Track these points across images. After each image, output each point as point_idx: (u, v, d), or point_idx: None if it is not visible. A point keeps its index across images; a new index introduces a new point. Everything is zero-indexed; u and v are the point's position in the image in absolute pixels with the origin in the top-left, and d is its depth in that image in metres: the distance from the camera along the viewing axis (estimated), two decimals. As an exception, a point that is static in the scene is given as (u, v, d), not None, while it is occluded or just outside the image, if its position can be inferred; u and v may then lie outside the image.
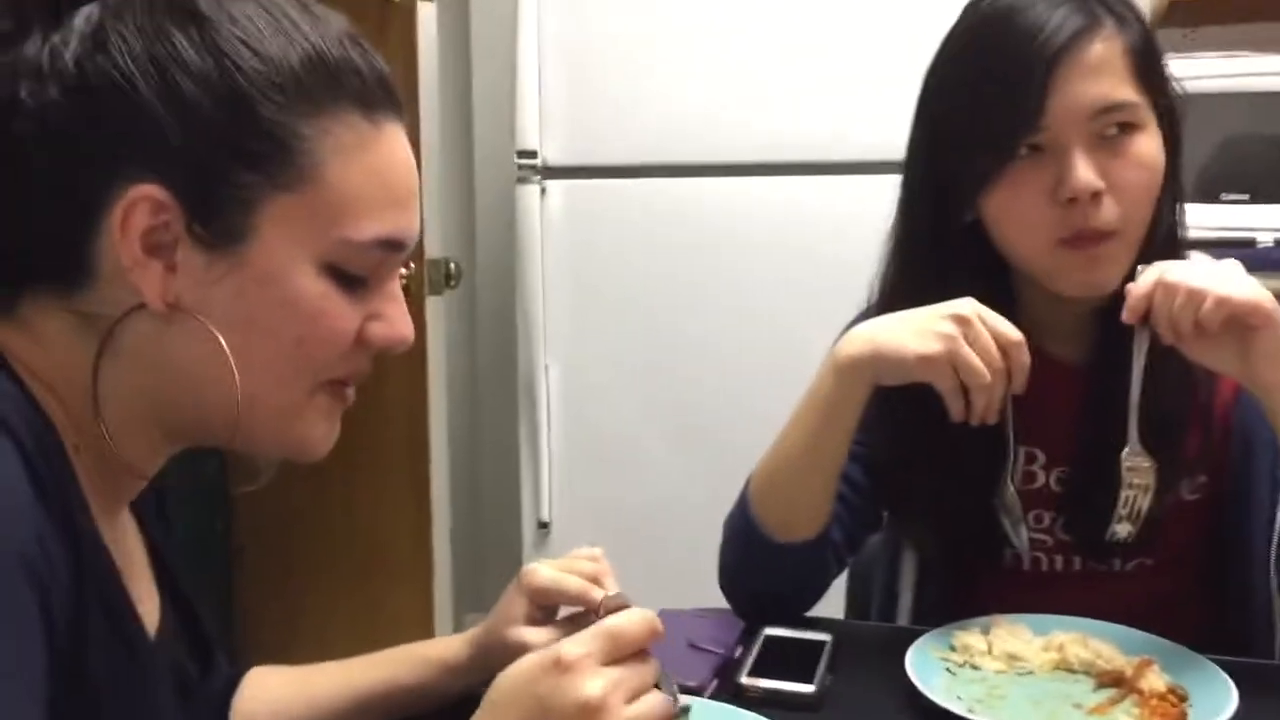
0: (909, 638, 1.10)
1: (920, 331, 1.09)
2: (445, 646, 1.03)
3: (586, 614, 0.97)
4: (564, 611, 1.01)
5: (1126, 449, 1.10)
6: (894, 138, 1.25)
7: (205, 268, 0.72)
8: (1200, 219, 1.32)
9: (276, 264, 0.73)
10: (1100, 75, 1.11)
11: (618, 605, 0.78)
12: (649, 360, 2.52)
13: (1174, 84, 1.18)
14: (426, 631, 2.52)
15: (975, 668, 1.08)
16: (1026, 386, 1.09)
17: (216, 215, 0.72)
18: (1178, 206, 1.20)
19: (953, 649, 1.10)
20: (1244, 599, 1.18)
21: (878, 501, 1.29)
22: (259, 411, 0.76)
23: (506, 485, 2.74)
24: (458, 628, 2.61)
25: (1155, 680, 1.01)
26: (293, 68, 0.73)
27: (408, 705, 1.01)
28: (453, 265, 2.52)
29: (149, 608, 0.83)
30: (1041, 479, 1.25)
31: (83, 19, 0.72)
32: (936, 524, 1.27)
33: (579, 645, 0.72)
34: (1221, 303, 1.00)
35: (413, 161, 0.80)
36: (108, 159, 0.71)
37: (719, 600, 1.25)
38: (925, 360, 1.08)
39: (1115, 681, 1.03)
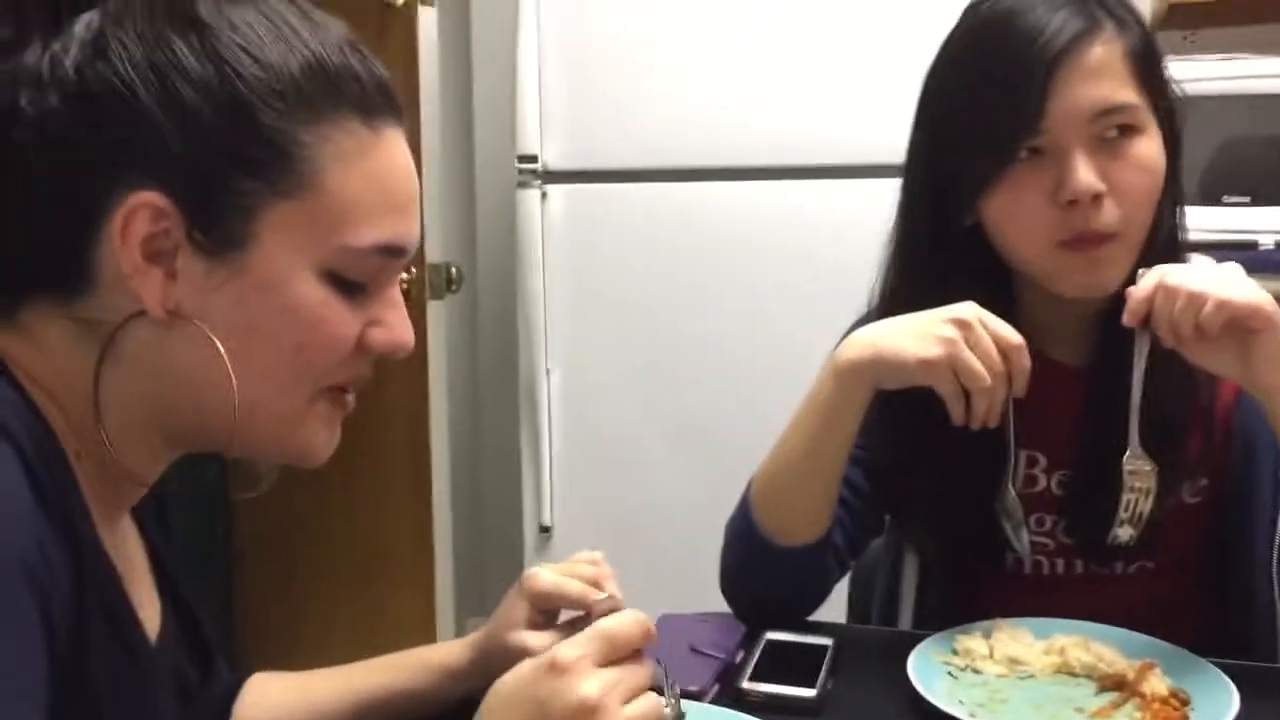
0: (911, 642, 1.10)
1: (921, 335, 1.09)
2: (446, 651, 1.03)
3: (587, 618, 0.97)
4: (565, 615, 1.01)
5: (1128, 452, 1.10)
6: (894, 141, 1.25)
7: (205, 274, 0.72)
8: (1201, 221, 1.32)
9: (277, 271, 0.73)
10: (1100, 78, 1.11)
11: (610, 608, 0.78)
12: (650, 364, 2.52)
13: (1174, 86, 1.18)
14: (428, 636, 2.52)
15: (977, 671, 1.07)
16: (1027, 390, 1.09)
17: (217, 222, 0.72)
18: (1178, 209, 1.20)
19: (954, 653, 1.10)
20: (1246, 602, 1.18)
21: (879, 505, 1.29)
22: (260, 418, 0.76)
23: (508, 489, 2.74)
24: (460, 632, 2.61)
25: (1157, 683, 1.01)
26: (293, 74, 0.73)
27: (409, 710, 1.01)
28: (454, 270, 2.52)
29: (150, 613, 0.83)
30: (1043, 482, 1.25)
31: (83, 26, 0.72)
32: (938, 528, 1.27)
33: (574, 648, 0.73)
34: (1222, 306, 1.00)
35: (413, 168, 0.80)
36: (108, 166, 0.71)
37: (720, 604, 1.25)
38: (926, 364, 1.08)
39: (1117, 685, 1.03)
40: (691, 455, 2.48)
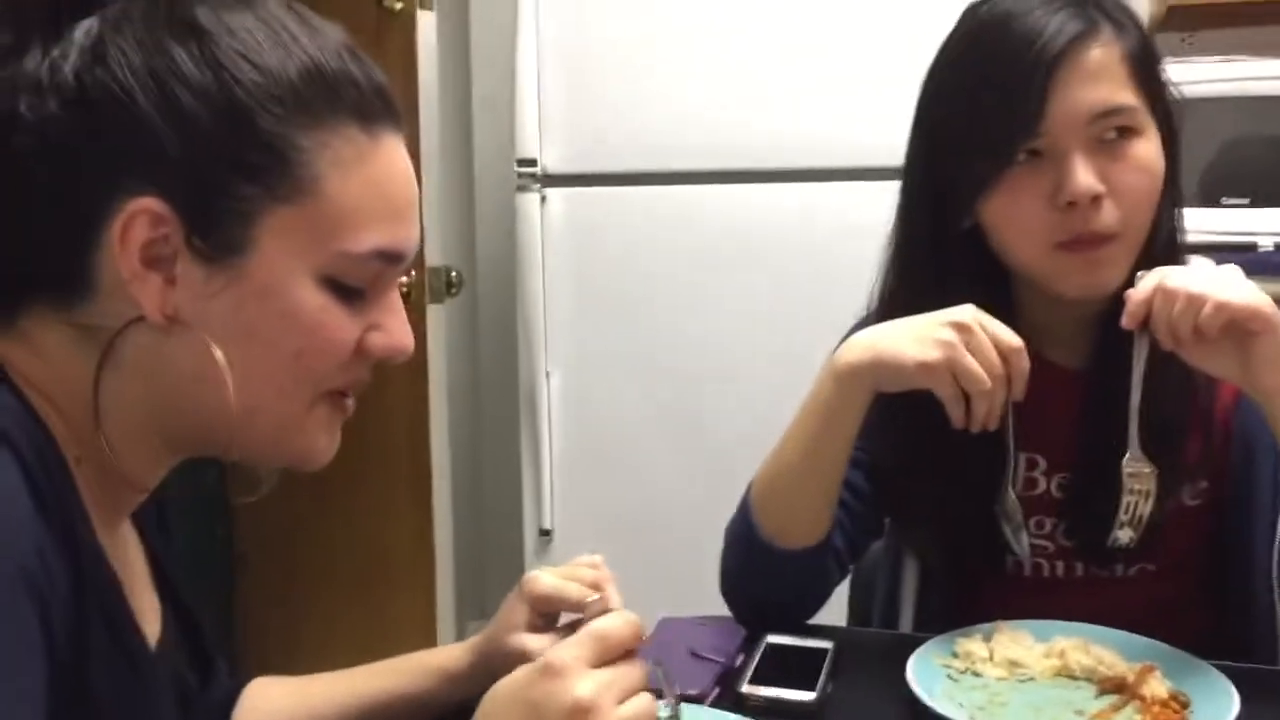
0: (911, 644, 1.10)
1: (920, 338, 1.09)
2: (446, 655, 1.03)
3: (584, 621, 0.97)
4: (565, 619, 1.01)
5: (1127, 454, 1.10)
6: (892, 144, 1.25)
7: (204, 280, 0.72)
8: (1200, 223, 1.32)
9: (275, 276, 0.73)
10: (1098, 80, 1.11)
11: (601, 609, 0.79)
12: (650, 367, 2.52)
13: (1171, 88, 1.18)
14: (429, 639, 2.52)
15: (977, 674, 1.07)
16: (1027, 392, 1.09)
17: (215, 228, 0.72)
18: (1177, 211, 1.20)
19: (954, 656, 1.10)
20: (1246, 604, 1.18)
21: (879, 508, 1.29)
22: (259, 422, 0.76)
23: (508, 493, 2.74)
24: (460, 636, 2.61)
25: (1157, 686, 1.01)
26: (291, 80, 0.73)
27: (409, 714, 1.01)
28: (453, 273, 2.52)
29: (150, 619, 0.83)
30: (1043, 485, 1.25)
31: (82, 33, 0.72)
32: (938, 530, 1.27)
33: (567, 650, 0.73)
34: (1221, 308, 1.00)
35: (411, 173, 0.80)
36: (107, 172, 0.71)
37: (721, 607, 1.25)
38: (925, 367, 1.08)
39: (1117, 688, 1.03)
40: (691, 458, 2.48)
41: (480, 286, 3.15)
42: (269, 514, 2.47)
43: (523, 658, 0.82)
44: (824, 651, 1.11)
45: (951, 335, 1.08)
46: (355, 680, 1.02)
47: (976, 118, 1.14)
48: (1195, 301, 1.01)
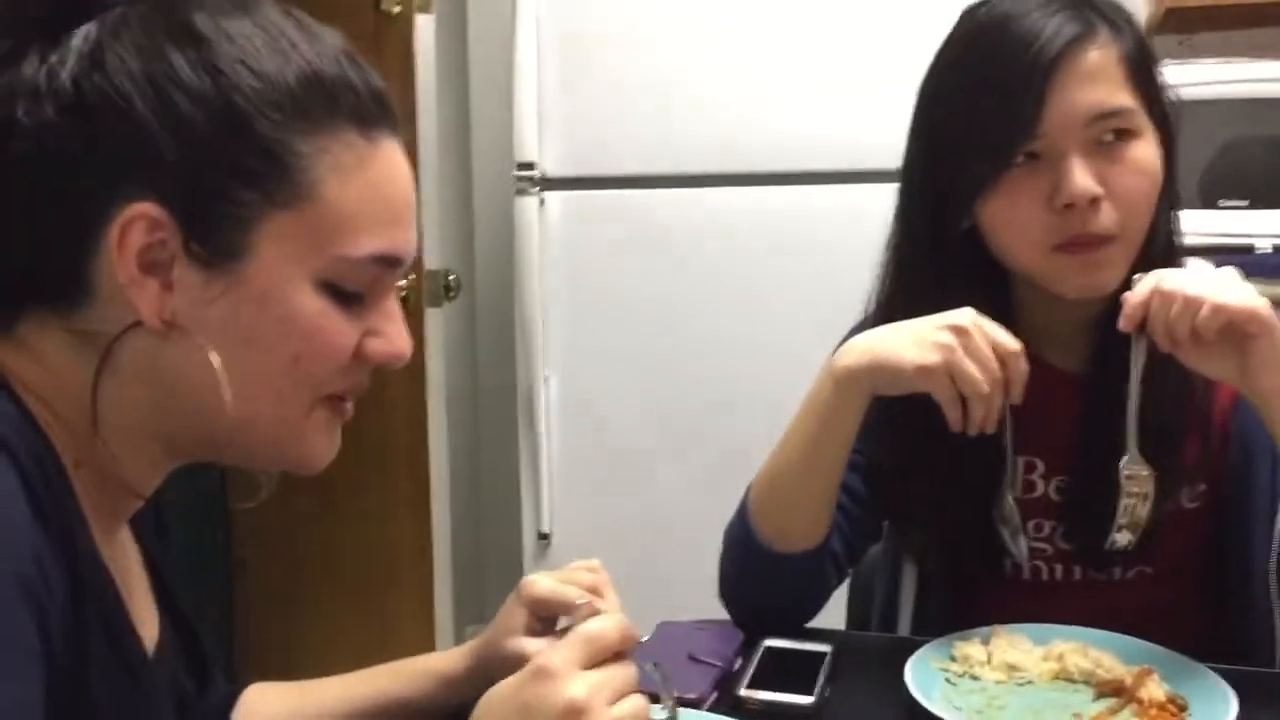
0: (909, 648, 1.10)
1: (918, 342, 1.09)
2: (444, 659, 1.03)
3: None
4: (563, 622, 1.01)
5: (1125, 457, 1.10)
6: (891, 146, 1.25)
7: (202, 285, 0.72)
8: (1198, 225, 1.32)
9: (273, 282, 0.73)
10: (1096, 82, 1.11)
11: (590, 612, 0.80)
12: (648, 371, 2.52)
13: (1169, 90, 1.18)
14: (427, 644, 2.52)
15: (975, 678, 1.07)
16: (1025, 395, 1.09)
17: (213, 233, 0.72)
18: (1174, 213, 1.20)
19: (953, 659, 1.10)
20: (1244, 607, 1.18)
21: (877, 511, 1.29)
22: (258, 427, 0.76)
23: (506, 497, 2.74)
24: (459, 640, 2.60)
25: (1155, 689, 1.01)
26: (289, 85, 0.73)
27: (407, 718, 1.01)
28: (452, 277, 2.53)
29: (148, 625, 0.83)
30: (1041, 488, 1.25)
31: (80, 38, 0.72)
32: (936, 534, 1.27)
33: (558, 653, 0.73)
34: (1218, 310, 1.00)
35: (410, 178, 0.80)
36: (105, 177, 0.71)
37: (719, 611, 1.25)
38: (923, 370, 1.08)
39: (1115, 691, 1.03)
40: (690, 462, 2.48)
41: (479, 290, 3.15)
42: (268, 518, 2.47)
43: (521, 662, 0.82)
44: (822, 655, 1.11)
45: (950, 339, 1.08)
46: (352, 685, 1.02)
47: (975, 120, 1.14)
48: (1193, 304, 1.01)
